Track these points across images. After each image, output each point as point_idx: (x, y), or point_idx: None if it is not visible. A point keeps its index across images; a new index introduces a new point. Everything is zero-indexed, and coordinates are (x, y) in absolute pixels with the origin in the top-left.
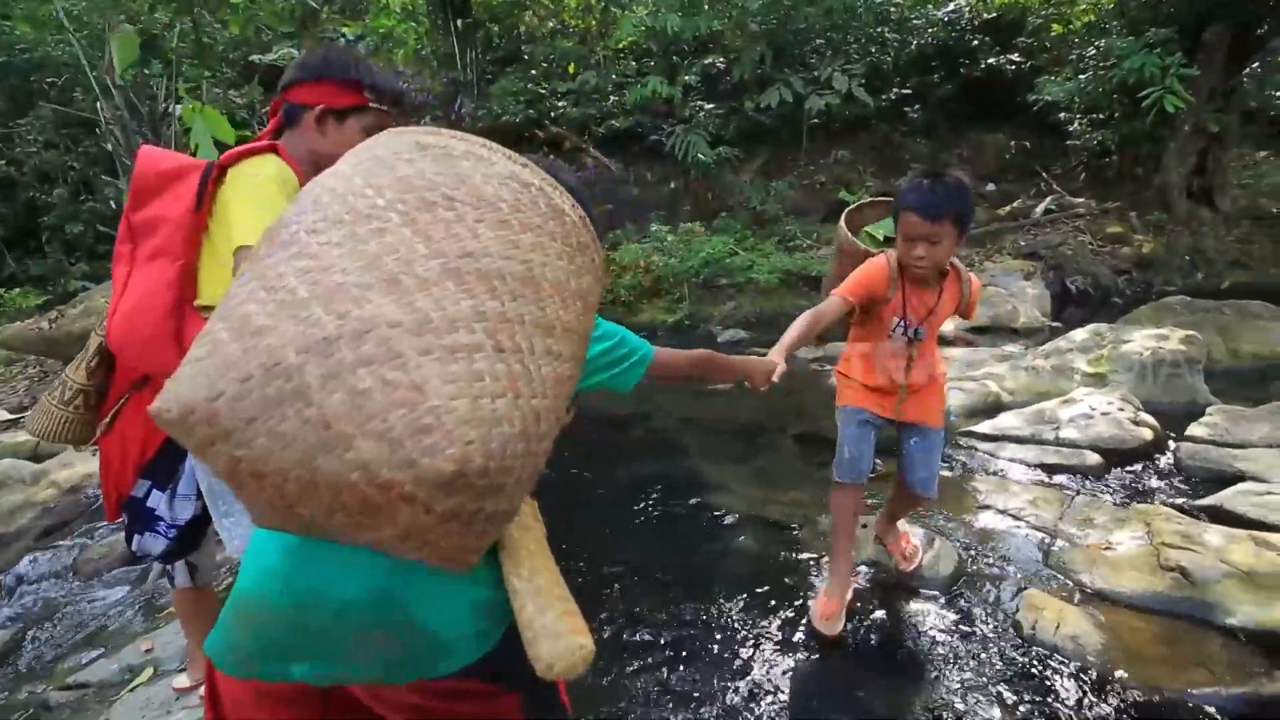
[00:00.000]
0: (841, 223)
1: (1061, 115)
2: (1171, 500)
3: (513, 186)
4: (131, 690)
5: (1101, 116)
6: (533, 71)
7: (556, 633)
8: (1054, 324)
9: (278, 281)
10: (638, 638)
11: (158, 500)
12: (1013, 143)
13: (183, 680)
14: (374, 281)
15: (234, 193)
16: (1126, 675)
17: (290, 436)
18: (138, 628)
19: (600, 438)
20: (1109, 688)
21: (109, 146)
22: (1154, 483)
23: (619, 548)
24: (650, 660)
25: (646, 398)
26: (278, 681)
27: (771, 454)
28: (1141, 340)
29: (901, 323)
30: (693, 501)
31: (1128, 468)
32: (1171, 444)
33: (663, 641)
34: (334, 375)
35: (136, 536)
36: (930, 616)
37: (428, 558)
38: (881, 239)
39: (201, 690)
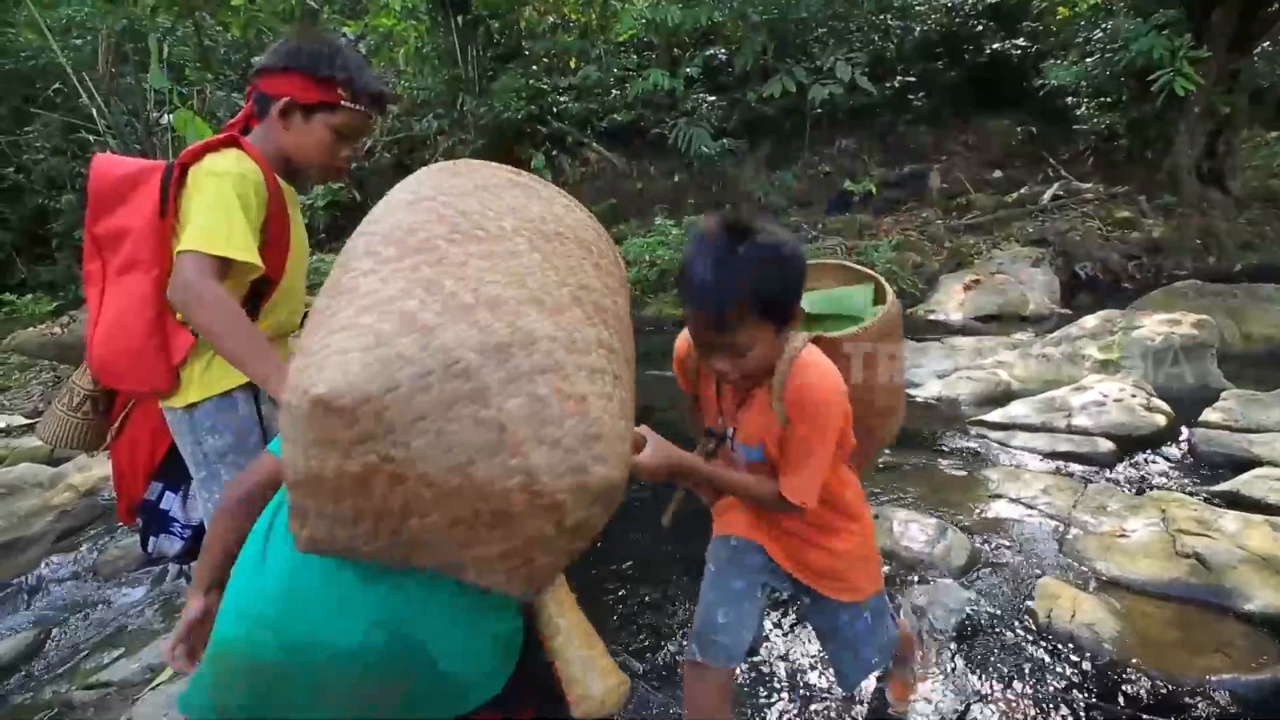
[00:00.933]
0: None
1: (1069, 100)
2: (1186, 486)
3: (594, 232)
4: (153, 689)
5: (1109, 100)
6: (534, 67)
7: (605, 669)
8: (1063, 311)
9: (434, 283)
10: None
11: (171, 502)
12: (1019, 129)
13: None
14: (524, 297)
15: (194, 192)
16: (1143, 662)
17: (456, 439)
18: (158, 627)
19: None
20: (1125, 675)
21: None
22: (1168, 469)
23: (618, 546)
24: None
25: (658, 390)
26: None
27: None
28: (1153, 325)
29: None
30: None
31: (1141, 454)
32: (1185, 430)
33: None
34: (513, 379)
35: (152, 539)
36: (944, 607)
37: (507, 581)
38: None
39: None
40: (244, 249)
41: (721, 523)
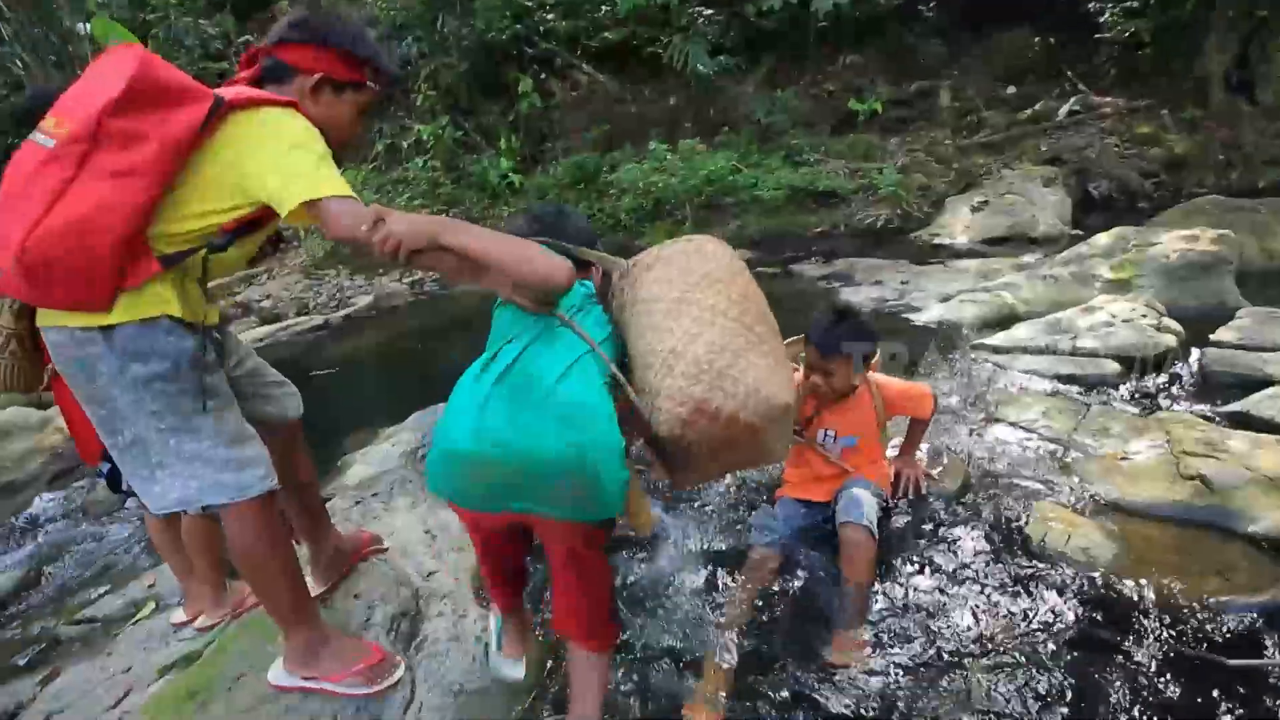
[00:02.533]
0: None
1: (1091, 6)
2: (1194, 408)
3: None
4: (134, 624)
5: (1135, 5)
6: None
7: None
8: (1075, 232)
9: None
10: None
11: None
12: (1036, 40)
13: (179, 615)
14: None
15: (272, 137)
16: (1139, 585)
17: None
18: (142, 564)
19: None
20: (1120, 598)
21: (16, 67)
22: (1176, 391)
23: None
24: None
25: None
26: (499, 513)
27: None
28: (1170, 242)
29: (827, 434)
30: None
31: (1149, 376)
32: (1196, 350)
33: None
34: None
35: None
36: (936, 531)
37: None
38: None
39: (196, 623)
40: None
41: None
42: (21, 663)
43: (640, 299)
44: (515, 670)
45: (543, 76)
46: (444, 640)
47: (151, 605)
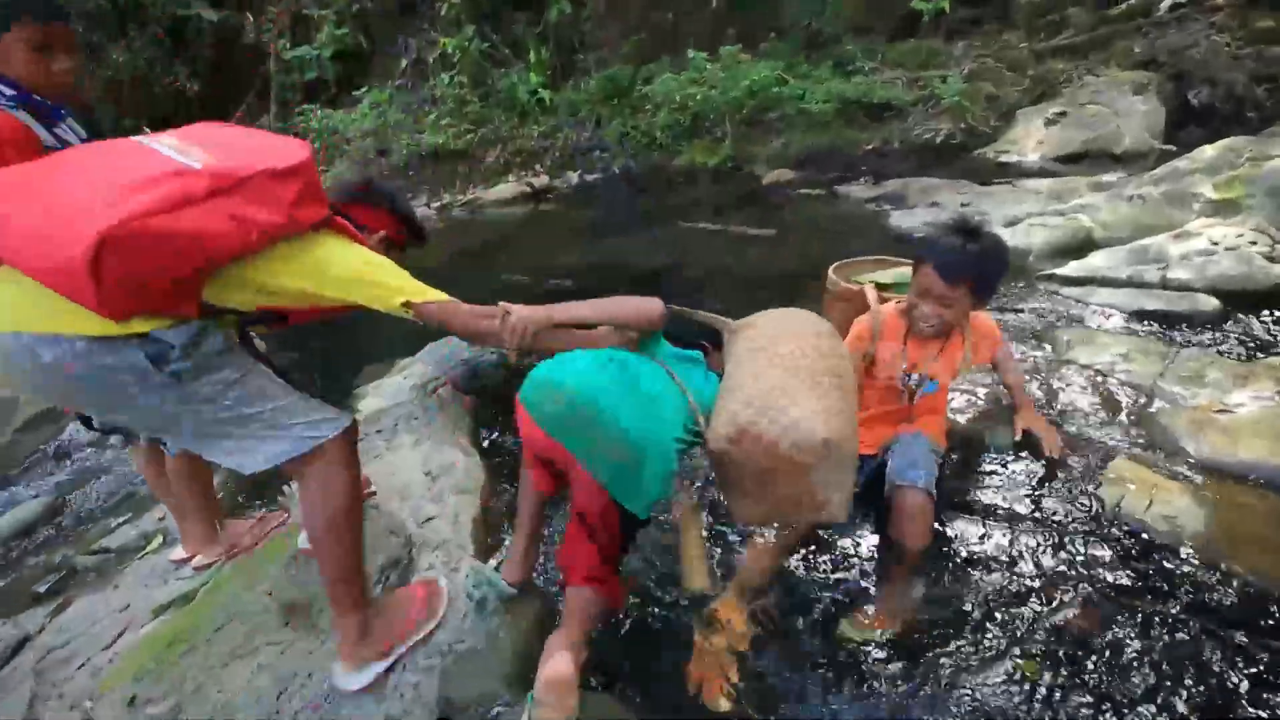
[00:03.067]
0: (830, 272)
1: None
2: None
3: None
4: (141, 557)
5: None
6: None
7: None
8: (1166, 147)
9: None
10: None
11: None
12: None
13: (178, 552)
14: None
15: (362, 251)
16: (1233, 564)
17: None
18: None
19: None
20: (1208, 578)
21: None
22: None
23: None
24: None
25: (687, 246)
26: (553, 440)
27: (813, 304)
28: None
29: (909, 376)
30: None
31: (1256, 314)
32: None
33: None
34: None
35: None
36: (991, 490)
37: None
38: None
39: (194, 562)
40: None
41: None
42: (41, 590)
43: (733, 352)
44: (506, 589)
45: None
46: None
47: (159, 539)
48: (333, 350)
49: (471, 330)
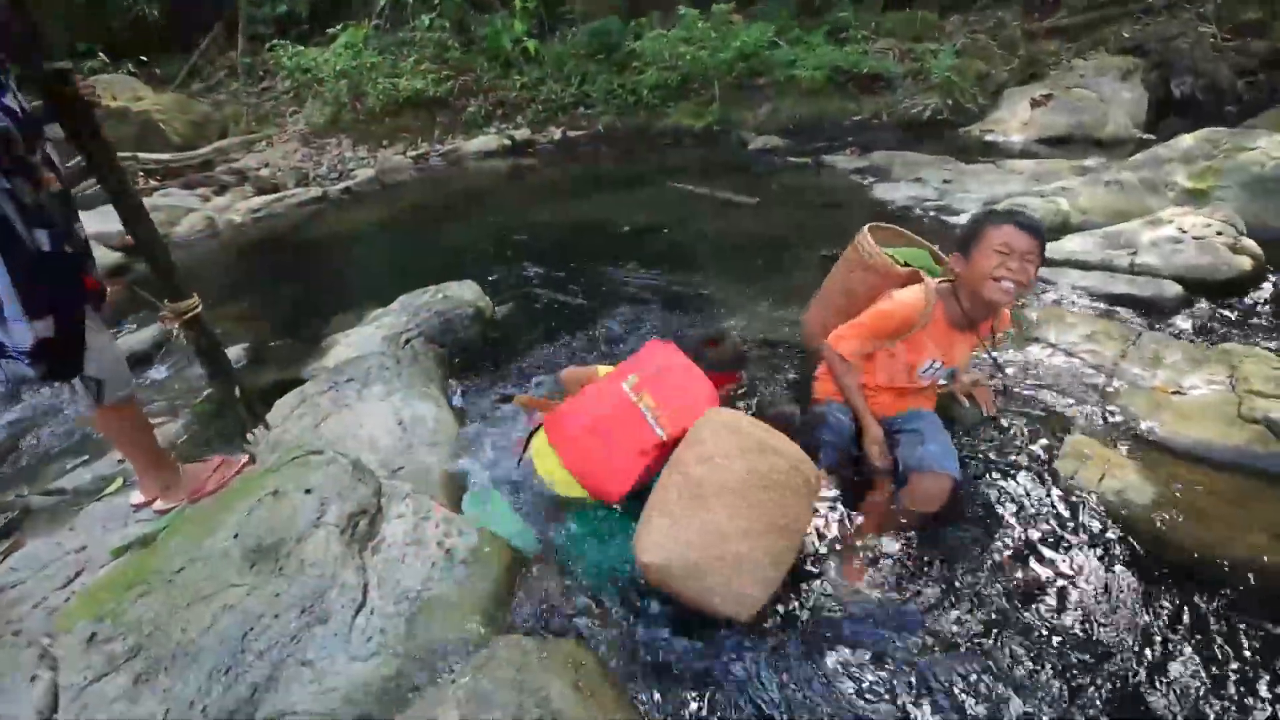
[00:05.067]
0: (866, 233)
1: None
2: (1266, 343)
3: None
4: (99, 499)
5: None
6: None
7: None
8: (1146, 136)
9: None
10: None
11: None
12: None
13: (136, 496)
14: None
15: None
16: (1177, 536)
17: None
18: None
19: (611, 247)
20: (1154, 548)
21: None
22: (1247, 321)
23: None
24: None
25: (670, 208)
26: None
27: (796, 273)
28: (1268, 147)
29: (934, 365)
30: (694, 315)
31: (1216, 302)
32: (1275, 277)
33: None
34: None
35: (3, 365)
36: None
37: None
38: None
39: (155, 505)
40: None
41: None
42: None
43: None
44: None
45: None
46: (402, 544)
47: (119, 481)
48: (303, 297)
49: None
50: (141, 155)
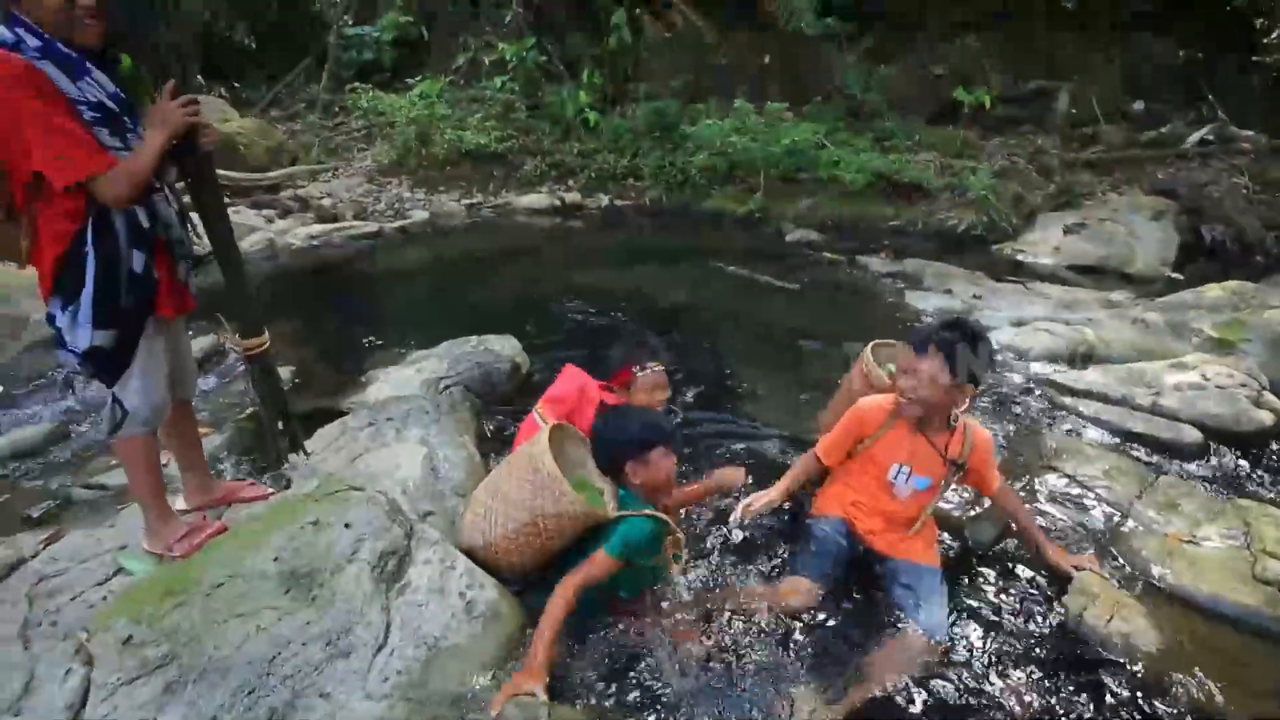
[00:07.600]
0: (868, 351)
1: (1259, 22)
2: None
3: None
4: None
5: None
6: None
7: None
8: (1174, 275)
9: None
10: None
11: (64, 320)
12: (1182, 52)
13: (179, 503)
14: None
15: None
16: (1180, 688)
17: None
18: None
19: (648, 319)
20: (1155, 697)
21: None
22: (1265, 477)
23: None
24: None
25: (708, 287)
26: None
27: (822, 367)
28: None
29: (903, 470)
30: (720, 409)
31: (1235, 453)
32: None
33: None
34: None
35: (59, 352)
36: (965, 589)
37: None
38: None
39: (193, 516)
40: None
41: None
42: (35, 514)
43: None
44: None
45: (637, 11)
46: (426, 589)
47: None
48: (347, 328)
49: None
50: (219, 172)
